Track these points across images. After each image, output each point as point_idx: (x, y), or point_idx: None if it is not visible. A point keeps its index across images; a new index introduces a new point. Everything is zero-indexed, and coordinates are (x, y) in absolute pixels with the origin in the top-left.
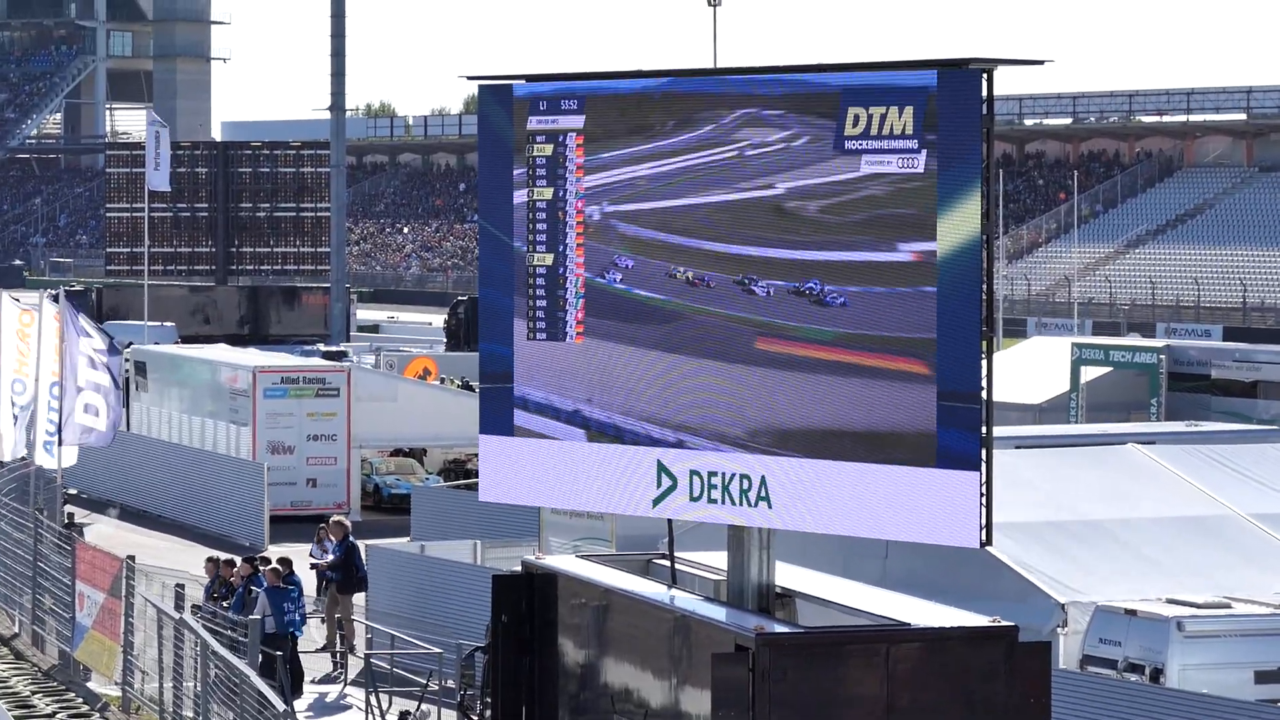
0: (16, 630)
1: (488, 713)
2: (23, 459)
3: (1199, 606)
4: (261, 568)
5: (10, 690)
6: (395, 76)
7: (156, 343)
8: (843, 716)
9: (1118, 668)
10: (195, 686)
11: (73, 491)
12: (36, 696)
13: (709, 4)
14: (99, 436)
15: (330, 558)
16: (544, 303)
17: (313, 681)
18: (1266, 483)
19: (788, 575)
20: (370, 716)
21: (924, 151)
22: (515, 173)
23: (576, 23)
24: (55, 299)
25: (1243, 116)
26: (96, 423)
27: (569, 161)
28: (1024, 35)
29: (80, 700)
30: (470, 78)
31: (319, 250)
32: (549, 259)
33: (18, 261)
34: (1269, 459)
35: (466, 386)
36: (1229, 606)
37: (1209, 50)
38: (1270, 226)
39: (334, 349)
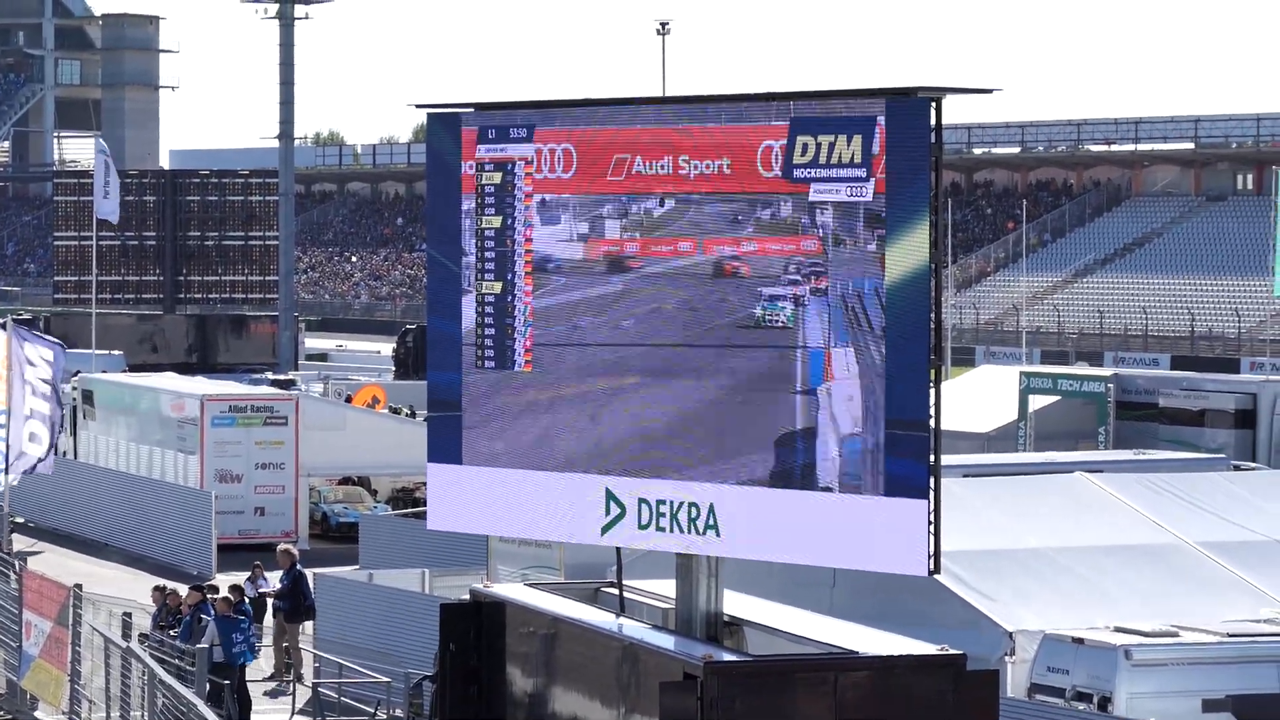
0: None
1: None
2: None
3: (1147, 635)
4: (210, 596)
5: None
6: (344, 105)
7: (104, 371)
8: None
9: (1065, 696)
10: (143, 716)
11: (19, 519)
12: None
13: (658, 33)
14: (42, 464)
15: (277, 587)
16: (492, 331)
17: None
18: (1214, 511)
19: (736, 604)
20: None
21: (872, 180)
22: (464, 201)
23: (526, 52)
24: (3, 327)
25: (1190, 146)
26: (41, 450)
27: (518, 190)
28: (973, 64)
29: None
30: (419, 106)
31: (267, 279)
32: (497, 287)
33: None
34: (1216, 487)
35: (414, 415)
36: (1177, 635)
37: (1157, 80)
38: (1218, 255)
39: (282, 377)
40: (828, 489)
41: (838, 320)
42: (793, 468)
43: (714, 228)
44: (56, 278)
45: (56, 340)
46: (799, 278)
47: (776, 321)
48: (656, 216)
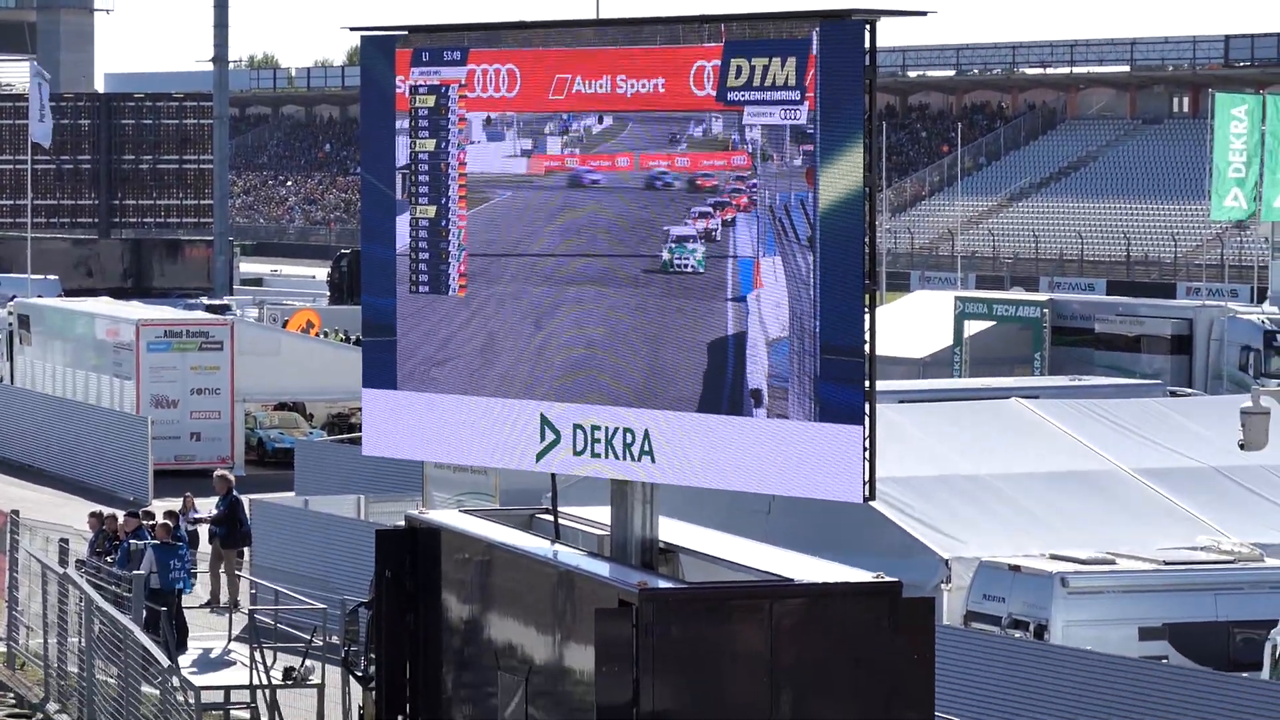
0: None
1: (372, 669)
2: None
3: (1083, 562)
4: (147, 522)
5: None
6: (278, 27)
7: (40, 296)
8: (726, 671)
9: (1001, 624)
10: (80, 642)
11: None
12: None
13: None
14: None
15: (212, 513)
16: (426, 255)
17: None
18: (1149, 437)
19: (671, 531)
20: (255, 672)
21: (805, 103)
22: (398, 125)
23: None
24: None
25: (1126, 68)
26: None
27: (451, 113)
28: None
29: None
30: (353, 29)
31: (202, 203)
32: (431, 211)
33: None
34: (1152, 413)
35: (349, 339)
36: (1113, 563)
37: (1092, 2)
38: (1154, 179)
39: (217, 302)
40: (764, 414)
41: (766, 232)
42: (725, 387)
43: (649, 144)
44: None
45: None
46: (730, 192)
47: (710, 234)
48: (595, 133)
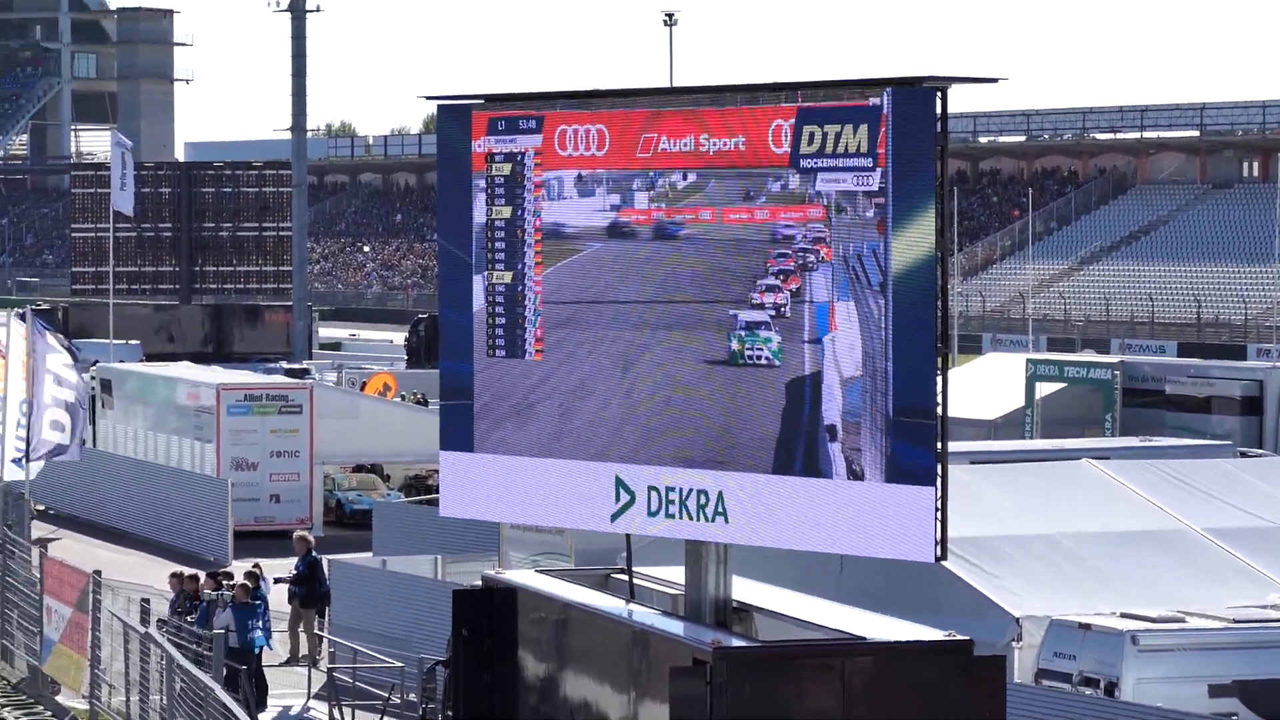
0: None
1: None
2: None
3: (1153, 620)
4: (226, 583)
5: None
6: (356, 97)
7: (122, 361)
8: None
9: (1073, 681)
10: (161, 700)
11: (40, 507)
12: (5, 710)
13: (665, 23)
14: (67, 451)
15: (292, 573)
16: (503, 320)
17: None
18: (1219, 497)
19: (745, 590)
20: None
21: (878, 170)
22: (474, 192)
23: (535, 41)
24: (23, 317)
25: (1196, 133)
26: (63, 438)
27: (527, 180)
28: (978, 54)
29: (49, 714)
30: (429, 98)
31: (281, 269)
32: (508, 277)
33: None
34: (1222, 474)
35: (426, 403)
36: (1183, 620)
37: (1162, 67)
38: (1223, 243)
39: (296, 366)
40: (838, 477)
41: (841, 280)
42: (799, 450)
43: (730, 198)
44: (74, 269)
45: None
46: (810, 241)
47: (780, 309)
48: (680, 188)
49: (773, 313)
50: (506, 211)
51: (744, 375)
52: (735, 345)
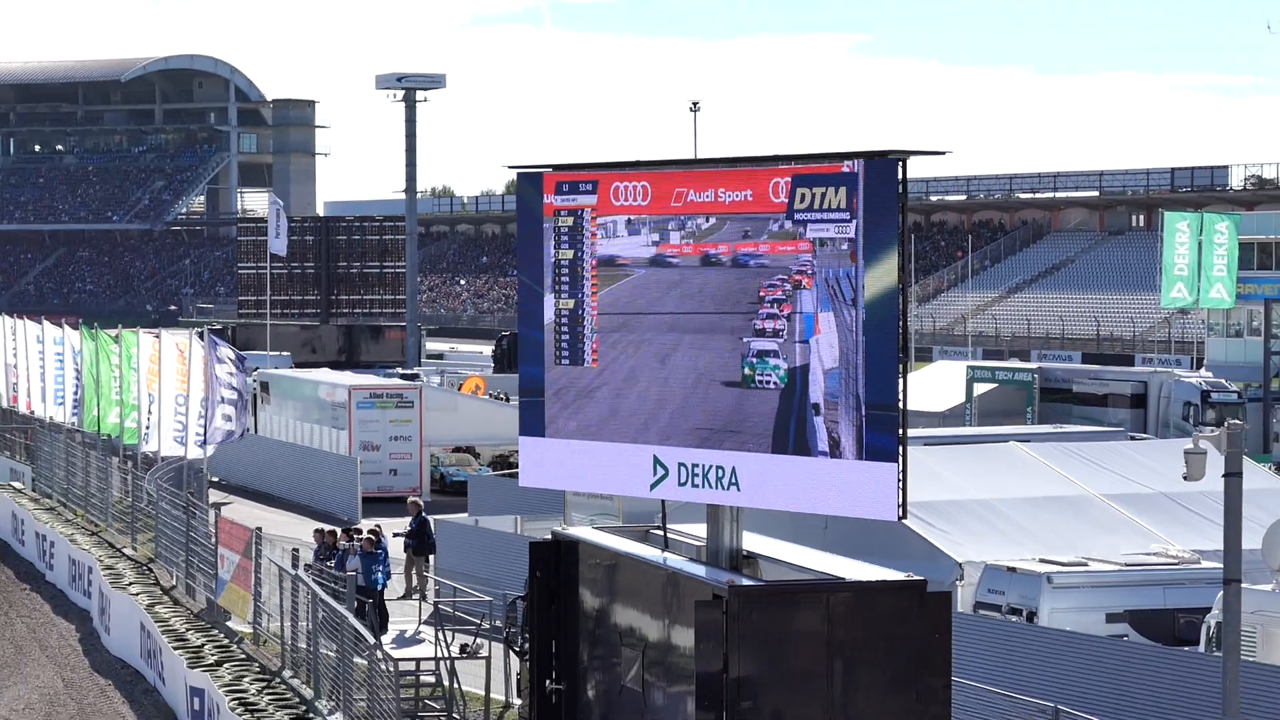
0: (174, 583)
1: (526, 645)
2: (179, 456)
3: (1064, 564)
4: (356, 537)
5: (171, 628)
6: (454, 164)
7: (276, 368)
8: (794, 650)
9: (1002, 611)
10: (307, 625)
11: (214, 479)
12: (190, 632)
13: (690, 109)
14: (232, 437)
15: (408, 529)
16: (567, 336)
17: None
18: (1115, 470)
19: (752, 541)
20: (438, 648)
21: (854, 220)
22: (545, 239)
23: (593, 121)
24: (201, 336)
25: (1096, 193)
26: (231, 427)
27: (585, 230)
28: (929, 131)
29: (222, 635)
30: (511, 167)
31: (398, 297)
32: (570, 303)
33: (172, 308)
34: (1116, 453)
35: (507, 400)
36: (1086, 565)
37: (1070, 141)
38: (1118, 277)
39: (409, 372)
40: (820, 454)
41: (828, 298)
42: (791, 436)
43: (741, 236)
44: (240, 297)
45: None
46: (798, 269)
47: (779, 332)
48: (704, 229)
49: (778, 340)
50: (569, 253)
51: (752, 381)
52: (747, 371)
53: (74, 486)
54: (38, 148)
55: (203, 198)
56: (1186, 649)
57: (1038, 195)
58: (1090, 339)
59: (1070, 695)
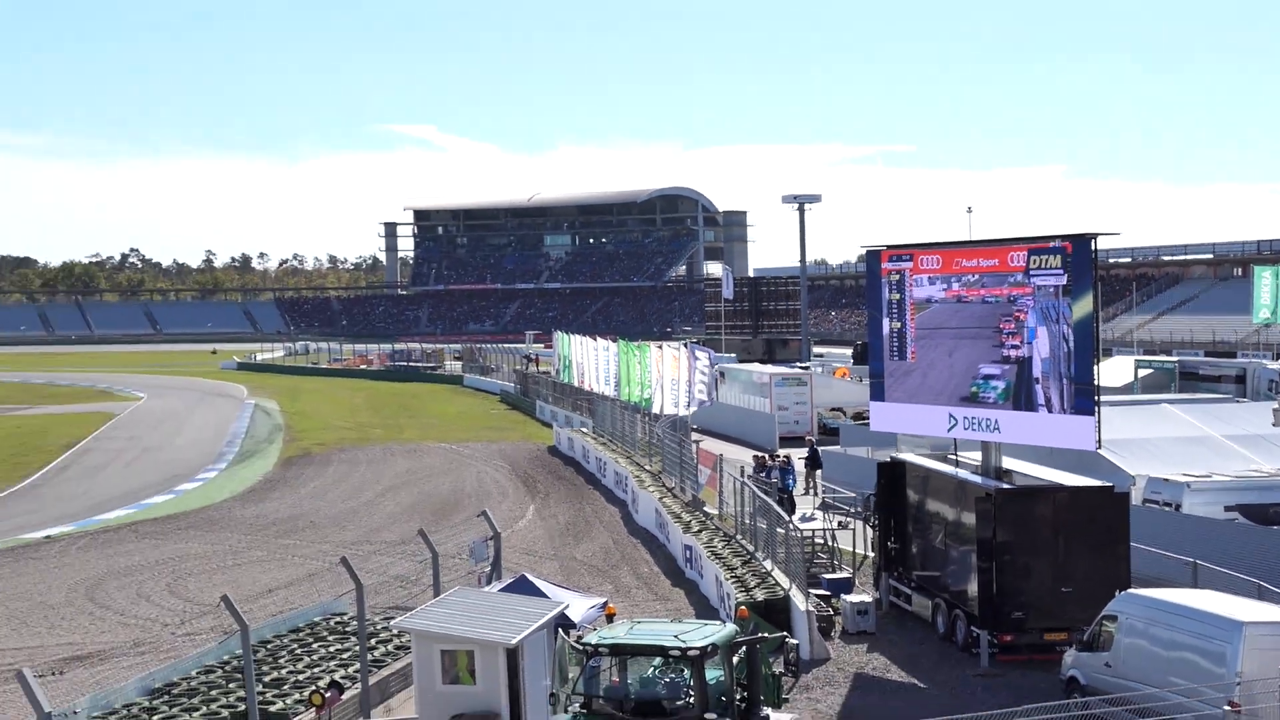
0: (673, 485)
1: (875, 521)
2: (674, 414)
3: (1197, 476)
4: (775, 459)
5: (672, 510)
6: (827, 244)
7: (728, 363)
8: (1033, 527)
9: (1159, 504)
10: (750, 509)
11: (695, 426)
12: (682, 513)
13: (967, 211)
14: (705, 404)
15: (805, 454)
16: (896, 343)
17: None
18: (1226, 420)
19: (1008, 462)
20: (825, 521)
21: (1065, 275)
22: (882, 287)
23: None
24: (685, 345)
25: (1210, 255)
26: (703, 397)
27: (906, 284)
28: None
29: (701, 515)
30: (864, 246)
31: (795, 323)
32: (898, 324)
33: (669, 330)
34: (1228, 410)
35: (861, 380)
36: (1210, 476)
37: (1192, 221)
38: (1225, 306)
39: (803, 365)
40: (1043, 410)
41: (1042, 319)
42: (1022, 398)
43: (993, 285)
44: (706, 324)
45: (708, 350)
46: (1025, 302)
47: (1007, 358)
48: (970, 281)
49: (1012, 349)
50: (897, 295)
51: (1008, 368)
52: (973, 390)
53: (616, 430)
54: (590, 240)
55: (684, 267)
56: (1275, 528)
57: (1175, 257)
58: (1209, 343)
59: (1202, 555)
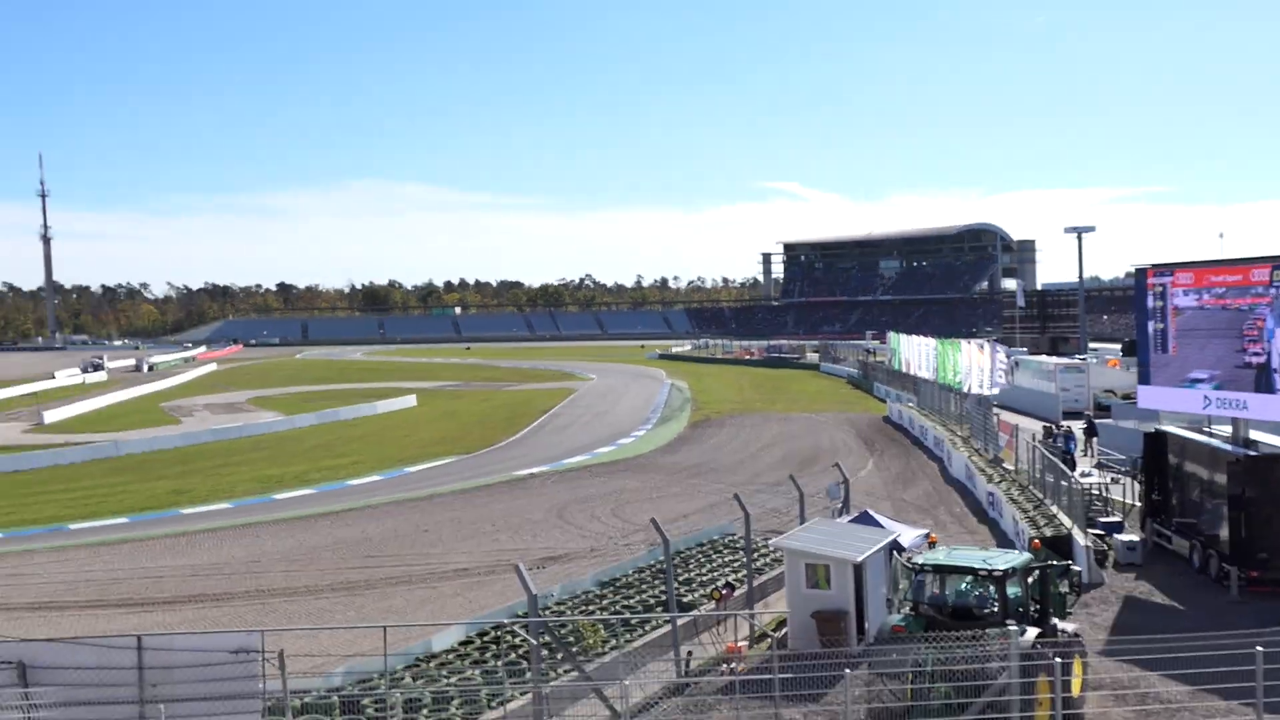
0: (979, 447)
1: (1141, 476)
2: (979, 394)
3: None
4: (1059, 428)
5: (978, 465)
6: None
7: (1021, 355)
8: (1275, 486)
9: None
10: (1039, 466)
11: (996, 404)
12: (986, 467)
13: (1219, 236)
14: (1004, 385)
15: (1084, 425)
16: (1160, 340)
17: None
18: None
19: (1255, 435)
20: (1100, 477)
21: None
22: (1148, 297)
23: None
24: (988, 341)
25: None
26: (1002, 381)
27: (1168, 294)
28: None
29: (1000, 470)
30: (1135, 265)
31: (1073, 325)
32: (1162, 325)
33: (973, 330)
34: None
35: (1127, 369)
36: None
37: None
38: None
39: (1082, 356)
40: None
41: (1278, 321)
42: (1266, 381)
43: (1239, 295)
44: (1003, 326)
45: (1005, 346)
46: (1264, 307)
47: (1259, 324)
48: (1219, 293)
49: (1255, 343)
50: (1160, 304)
51: (1252, 356)
52: (1240, 364)
53: (934, 405)
54: (913, 263)
55: (986, 284)
56: None
57: None
58: None
59: None
